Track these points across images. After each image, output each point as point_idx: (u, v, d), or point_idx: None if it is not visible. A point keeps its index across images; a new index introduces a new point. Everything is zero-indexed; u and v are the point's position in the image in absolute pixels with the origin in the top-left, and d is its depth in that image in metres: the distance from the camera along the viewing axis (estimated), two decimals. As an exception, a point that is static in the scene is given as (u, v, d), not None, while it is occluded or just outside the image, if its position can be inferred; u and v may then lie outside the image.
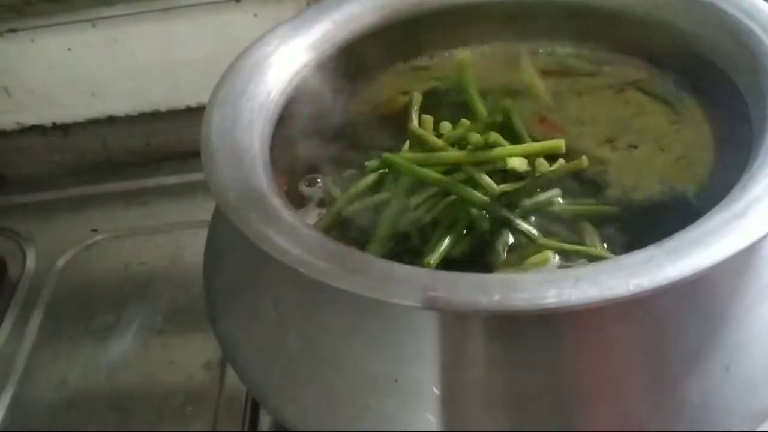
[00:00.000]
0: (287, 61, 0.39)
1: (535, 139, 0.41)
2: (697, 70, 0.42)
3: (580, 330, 0.27)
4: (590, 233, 0.37)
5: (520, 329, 0.27)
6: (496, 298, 0.23)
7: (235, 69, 0.37)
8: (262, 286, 0.33)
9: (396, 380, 0.28)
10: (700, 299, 0.28)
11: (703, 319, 0.28)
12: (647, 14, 0.42)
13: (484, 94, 0.47)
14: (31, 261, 0.59)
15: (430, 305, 0.24)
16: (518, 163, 0.36)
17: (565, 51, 0.49)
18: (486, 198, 0.37)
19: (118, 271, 0.58)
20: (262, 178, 0.32)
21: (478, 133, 0.39)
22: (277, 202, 0.30)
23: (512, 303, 0.23)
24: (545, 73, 0.48)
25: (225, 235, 0.36)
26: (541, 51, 0.50)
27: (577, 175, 0.39)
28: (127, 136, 0.64)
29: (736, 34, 0.36)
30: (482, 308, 0.23)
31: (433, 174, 0.38)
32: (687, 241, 0.25)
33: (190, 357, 0.50)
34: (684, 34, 0.40)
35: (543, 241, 0.36)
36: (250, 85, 0.37)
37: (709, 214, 0.27)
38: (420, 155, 0.38)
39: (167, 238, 0.59)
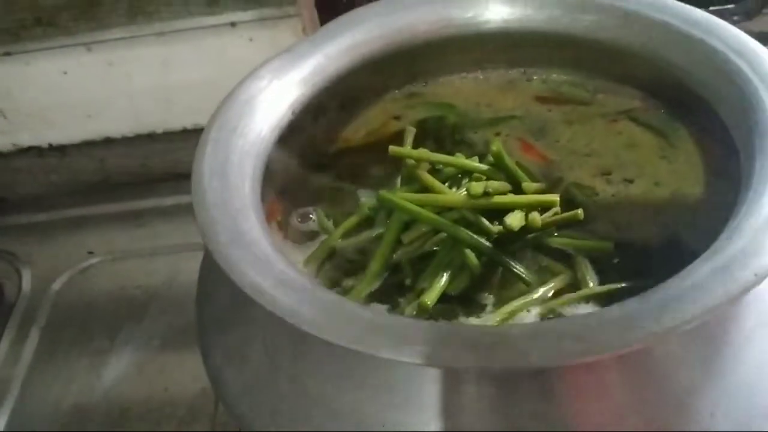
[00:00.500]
0: (279, 96, 0.39)
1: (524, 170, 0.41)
2: (689, 103, 0.42)
3: (567, 381, 0.28)
4: (584, 268, 0.37)
5: (509, 379, 0.27)
6: (482, 353, 0.24)
7: (227, 105, 0.38)
8: (252, 325, 0.33)
9: (383, 425, 0.28)
10: (685, 347, 0.28)
11: (689, 367, 0.28)
12: (640, 47, 0.42)
13: (475, 120, 0.48)
14: (27, 283, 0.59)
15: (415, 360, 0.24)
16: (515, 222, 0.37)
17: (559, 78, 0.49)
18: (483, 242, 0.37)
19: (114, 293, 0.58)
20: (252, 220, 0.32)
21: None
22: (267, 246, 0.30)
23: (496, 361, 0.23)
24: (539, 99, 0.48)
25: (216, 272, 0.36)
26: (535, 78, 0.50)
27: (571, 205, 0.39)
28: (124, 157, 0.64)
29: (725, 71, 0.36)
30: (467, 366, 0.24)
31: (431, 215, 0.38)
32: (671, 296, 0.25)
33: (186, 382, 0.51)
34: (675, 68, 0.41)
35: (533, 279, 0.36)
36: (241, 123, 0.37)
37: (693, 264, 0.27)
38: (416, 196, 0.39)
39: (163, 260, 0.59)
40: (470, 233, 0.37)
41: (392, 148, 0.42)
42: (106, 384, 0.51)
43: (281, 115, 0.39)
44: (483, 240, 0.37)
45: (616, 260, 0.38)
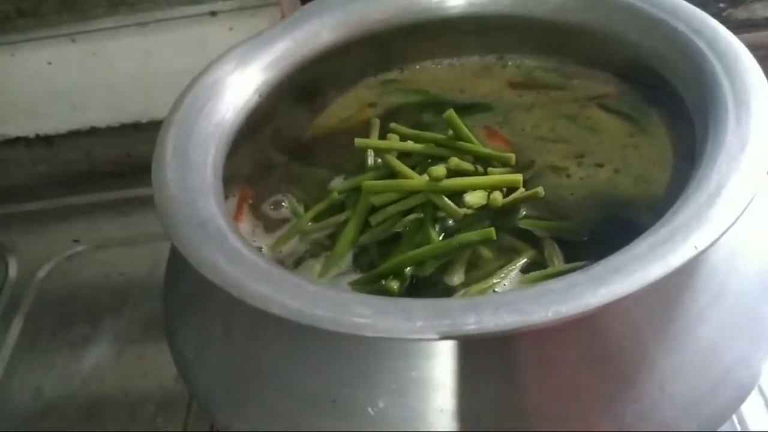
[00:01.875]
0: (246, 79, 0.40)
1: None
2: (658, 86, 0.42)
3: (518, 349, 0.28)
4: (550, 248, 0.38)
5: (462, 350, 0.28)
6: (419, 324, 0.24)
7: (192, 88, 0.38)
8: (212, 306, 0.33)
9: (334, 401, 0.28)
10: (636, 320, 0.28)
11: (639, 339, 0.28)
12: (605, 29, 0.42)
13: (447, 106, 0.48)
14: (12, 271, 0.60)
15: (354, 331, 0.24)
16: (476, 199, 0.37)
17: (533, 63, 0.50)
18: (459, 210, 0.37)
19: (98, 281, 0.59)
20: (210, 200, 0.32)
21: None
22: (222, 224, 0.31)
23: (432, 330, 0.24)
24: (513, 85, 0.49)
25: (179, 258, 0.36)
26: (510, 63, 0.50)
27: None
28: (110, 147, 0.65)
29: (685, 51, 0.36)
30: (404, 337, 0.24)
31: (413, 183, 0.38)
32: (611, 268, 0.25)
33: (163, 368, 0.51)
34: (640, 50, 0.41)
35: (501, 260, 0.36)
36: (207, 105, 0.37)
37: (638, 239, 0.27)
38: (380, 183, 0.39)
39: (146, 249, 0.60)
40: (450, 202, 0.37)
41: (358, 141, 0.42)
42: (85, 370, 0.52)
43: (247, 98, 0.39)
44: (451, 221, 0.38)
45: (584, 239, 0.38)
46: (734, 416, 0.45)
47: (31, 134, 0.65)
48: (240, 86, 0.39)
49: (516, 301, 0.24)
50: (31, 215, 0.64)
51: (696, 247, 0.25)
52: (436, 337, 0.24)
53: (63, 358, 0.53)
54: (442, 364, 0.28)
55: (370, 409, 0.28)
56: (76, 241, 0.61)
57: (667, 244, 0.26)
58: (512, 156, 0.39)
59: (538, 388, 0.28)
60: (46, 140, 0.65)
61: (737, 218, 0.28)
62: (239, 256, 0.29)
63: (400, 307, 0.25)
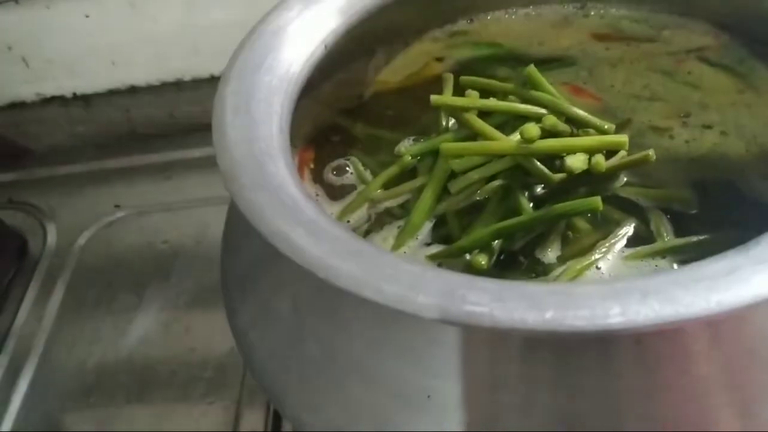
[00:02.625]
0: (310, 28, 0.35)
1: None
2: (766, 36, 0.37)
3: (644, 350, 0.24)
4: (658, 220, 0.33)
5: (573, 347, 0.24)
6: (549, 315, 0.20)
7: (251, 39, 0.34)
8: (279, 280, 0.29)
9: (429, 396, 0.25)
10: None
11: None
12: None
13: (524, 60, 0.43)
14: (51, 238, 0.57)
15: (470, 321, 0.20)
16: (578, 163, 0.33)
17: (619, 13, 0.45)
18: (555, 176, 0.33)
19: (141, 248, 0.55)
20: (280, 163, 0.28)
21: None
22: (296, 191, 0.27)
23: (568, 323, 0.20)
24: (597, 37, 0.44)
25: (241, 221, 0.32)
26: (593, 13, 0.45)
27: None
28: (150, 106, 0.61)
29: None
30: (532, 328, 0.20)
31: (501, 145, 0.34)
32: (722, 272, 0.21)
33: (214, 343, 0.48)
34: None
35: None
36: (269, 57, 0.33)
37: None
38: (463, 145, 0.34)
39: (191, 214, 0.56)
40: (525, 178, 0.33)
41: (434, 98, 0.37)
42: (130, 343, 0.49)
43: (313, 49, 0.35)
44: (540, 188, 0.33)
45: (693, 211, 0.34)
46: None
47: (68, 93, 0.61)
48: (305, 35, 0.35)
49: (666, 288, 0.20)
50: (69, 179, 0.60)
51: None
52: (571, 332, 0.19)
53: (107, 330, 0.50)
54: (554, 359, 0.24)
55: (471, 408, 0.24)
56: (117, 206, 0.58)
57: None
58: (612, 126, 0.34)
59: (667, 389, 0.24)
60: (83, 99, 0.61)
61: None
62: (320, 228, 0.25)
63: (521, 294, 0.21)
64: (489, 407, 0.24)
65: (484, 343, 0.23)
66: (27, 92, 0.61)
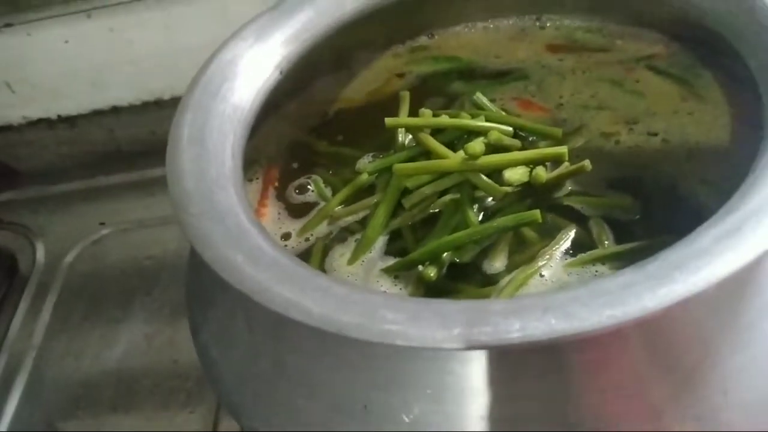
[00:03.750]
0: (264, 56, 0.37)
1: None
2: (714, 46, 0.39)
3: (564, 354, 0.25)
4: (599, 227, 0.35)
5: (503, 355, 0.25)
6: (456, 332, 0.21)
7: (207, 68, 0.36)
8: (235, 301, 0.31)
9: (365, 407, 0.26)
10: (696, 319, 0.26)
11: (699, 341, 0.26)
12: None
13: (481, 73, 0.45)
14: (40, 256, 0.59)
15: (385, 339, 0.22)
16: (517, 176, 0.34)
17: (574, 24, 0.46)
18: (502, 187, 0.35)
19: (126, 264, 0.57)
20: (230, 191, 0.30)
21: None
22: (242, 218, 0.29)
23: (473, 338, 0.21)
24: (551, 48, 0.45)
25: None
26: (549, 25, 0.47)
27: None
28: (133, 125, 0.63)
29: (750, 9, 0.33)
30: (440, 345, 0.21)
31: (448, 163, 0.36)
32: (671, 265, 0.22)
33: (195, 355, 0.50)
34: (698, 8, 0.37)
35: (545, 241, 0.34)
36: (224, 86, 0.35)
37: (701, 228, 0.24)
38: (412, 165, 0.36)
39: (174, 230, 0.58)
40: (490, 181, 0.35)
41: (388, 120, 0.39)
42: (116, 355, 0.51)
43: (267, 76, 0.36)
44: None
45: (636, 217, 0.35)
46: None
47: (53, 115, 0.63)
48: (259, 63, 0.37)
49: (565, 305, 0.22)
50: (56, 198, 0.63)
51: (769, 239, 0.22)
52: (476, 346, 0.21)
53: (94, 344, 0.52)
54: (480, 368, 0.25)
55: (404, 416, 0.26)
56: (102, 223, 0.60)
57: (736, 234, 0.23)
58: (559, 131, 0.36)
59: (585, 395, 0.26)
60: (68, 121, 0.63)
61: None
62: (260, 254, 0.26)
63: (434, 312, 0.22)
64: (422, 417, 0.26)
65: (410, 355, 0.25)
66: (13, 116, 0.63)
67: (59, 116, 0.63)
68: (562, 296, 0.22)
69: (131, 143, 0.64)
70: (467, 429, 0.26)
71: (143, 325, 0.53)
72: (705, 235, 0.23)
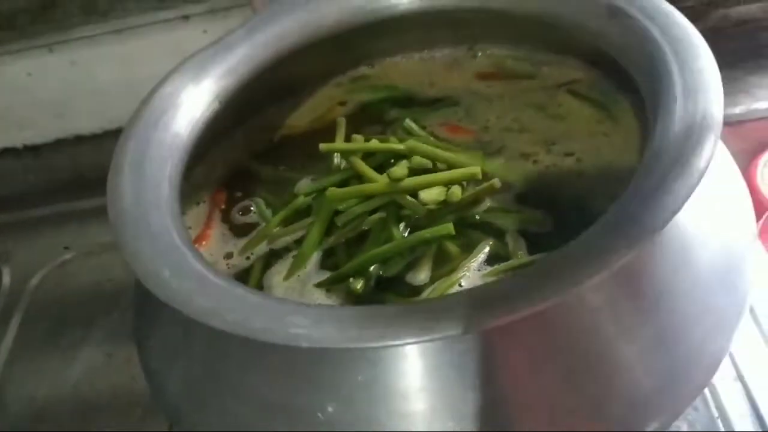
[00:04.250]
0: (204, 88, 0.40)
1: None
2: (622, 73, 0.42)
3: (468, 350, 0.28)
4: (514, 240, 0.38)
5: (405, 355, 0.28)
6: (352, 333, 0.24)
7: (149, 101, 0.38)
8: (171, 316, 0.34)
9: (285, 407, 0.29)
10: (604, 302, 0.29)
11: (609, 320, 0.29)
12: (566, 17, 0.42)
13: (416, 101, 0.48)
14: (6, 279, 0.61)
15: (290, 342, 0.25)
16: (432, 196, 0.37)
17: (503, 53, 0.49)
18: (421, 207, 0.37)
19: (89, 287, 0.60)
20: (165, 214, 0.33)
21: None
22: (174, 238, 0.31)
23: (364, 339, 0.24)
24: (481, 76, 0.48)
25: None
26: (480, 54, 0.50)
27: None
28: (96, 154, 0.66)
29: (640, 38, 0.36)
30: (336, 345, 0.24)
31: (373, 187, 0.39)
32: (563, 260, 0.25)
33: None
34: (599, 38, 0.40)
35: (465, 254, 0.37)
36: (164, 117, 0.38)
37: (589, 229, 0.27)
38: (343, 191, 0.39)
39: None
40: (413, 200, 0.38)
41: (323, 145, 0.42)
42: (76, 374, 0.53)
43: (205, 107, 0.39)
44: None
45: (547, 230, 0.38)
46: (719, 417, 0.45)
47: (19, 145, 0.66)
48: (198, 95, 0.39)
49: (452, 308, 0.24)
50: (22, 224, 0.65)
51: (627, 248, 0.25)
52: (370, 345, 0.24)
53: (54, 365, 0.54)
54: (387, 368, 0.28)
55: (319, 414, 0.28)
56: (66, 248, 0.62)
57: (600, 243, 0.26)
58: (478, 171, 0.39)
59: (490, 389, 0.28)
60: (33, 150, 0.66)
61: (680, 208, 0.28)
62: (187, 269, 0.29)
63: (335, 316, 0.25)
64: (336, 415, 0.29)
65: (322, 358, 0.28)
66: (-20, 146, 0.66)
67: (25, 145, 0.66)
68: (451, 300, 0.25)
69: (93, 171, 0.66)
70: (380, 423, 0.28)
71: (103, 345, 0.55)
72: (591, 234, 0.26)
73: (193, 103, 0.39)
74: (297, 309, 0.26)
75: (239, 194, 0.45)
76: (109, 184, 0.34)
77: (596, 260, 0.27)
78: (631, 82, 0.43)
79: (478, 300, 0.25)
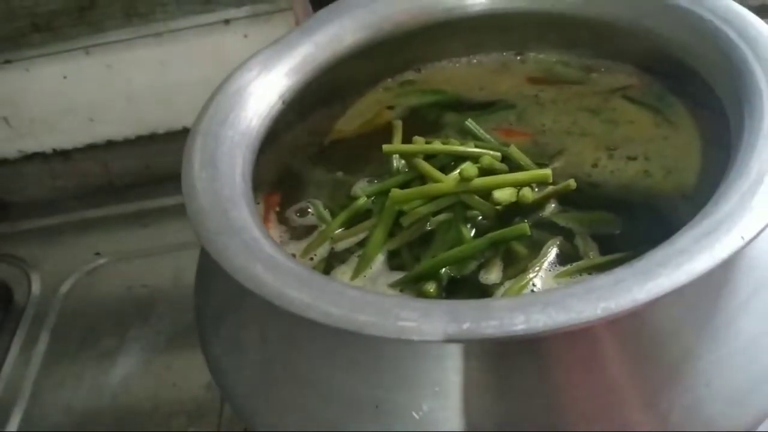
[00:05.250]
0: (269, 86, 0.39)
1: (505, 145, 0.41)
2: (682, 76, 0.42)
3: (559, 352, 0.27)
4: (584, 241, 0.37)
5: (503, 353, 0.27)
6: (465, 326, 0.24)
7: (215, 98, 0.38)
8: (247, 314, 0.33)
9: (377, 406, 0.28)
10: (678, 315, 0.28)
11: (683, 335, 0.28)
12: (628, 21, 0.42)
13: (466, 105, 0.48)
14: (36, 287, 0.60)
15: (401, 336, 0.24)
16: (505, 196, 0.37)
17: (552, 58, 0.49)
18: (493, 206, 0.37)
19: (121, 293, 0.59)
20: (242, 208, 0.32)
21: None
22: (256, 232, 0.31)
23: (481, 331, 0.23)
24: (532, 80, 0.48)
25: (211, 263, 0.36)
26: (529, 59, 0.50)
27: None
28: (127, 159, 0.65)
29: (712, 39, 0.36)
30: (451, 338, 0.24)
31: (442, 187, 0.38)
32: (655, 262, 0.25)
33: (192, 377, 0.51)
34: (664, 41, 0.40)
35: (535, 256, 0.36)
36: (231, 114, 0.37)
37: (681, 231, 0.27)
38: (409, 192, 0.39)
39: (168, 259, 0.60)
40: (467, 212, 0.37)
41: (386, 147, 0.42)
42: (114, 383, 0.52)
43: (271, 105, 0.39)
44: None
45: (617, 232, 0.38)
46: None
47: (48, 149, 0.65)
48: (264, 93, 0.39)
49: (563, 300, 0.24)
50: (51, 230, 0.64)
51: (743, 238, 0.25)
52: (485, 338, 0.23)
53: (91, 372, 0.53)
54: (485, 366, 0.27)
55: (414, 413, 0.28)
56: (97, 254, 0.61)
57: (712, 235, 0.26)
58: (548, 173, 0.38)
59: (580, 387, 0.28)
60: (63, 155, 0.65)
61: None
62: (276, 263, 0.28)
63: (445, 309, 0.24)
64: (431, 413, 0.28)
65: (422, 354, 0.27)
66: (9, 150, 0.65)
67: (54, 150, 0.65)
68: (559, 293, 0.24)
69: (125, 176, 0.66)
70: (473, 423, 0.28)
71: (140, 352, 0.54)
72: (684, 237, 0.26)
73: (258, 101, 0.38)
74: (404, 303, 0.25)
75: (292, 197, 0.44)
76: (184, 180, 0.33)
77: (689, 263, 0.26)
78: (687, 85, 0.43)
79: (588, 293, 0.24)
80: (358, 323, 0.25)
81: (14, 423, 0.51)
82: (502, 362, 0.27)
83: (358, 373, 0.29)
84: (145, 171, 0.65)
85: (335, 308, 0.25)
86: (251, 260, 0.28)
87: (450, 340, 0.23)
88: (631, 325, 0.27)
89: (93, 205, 0.65)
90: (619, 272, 0.25)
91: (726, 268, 0.29)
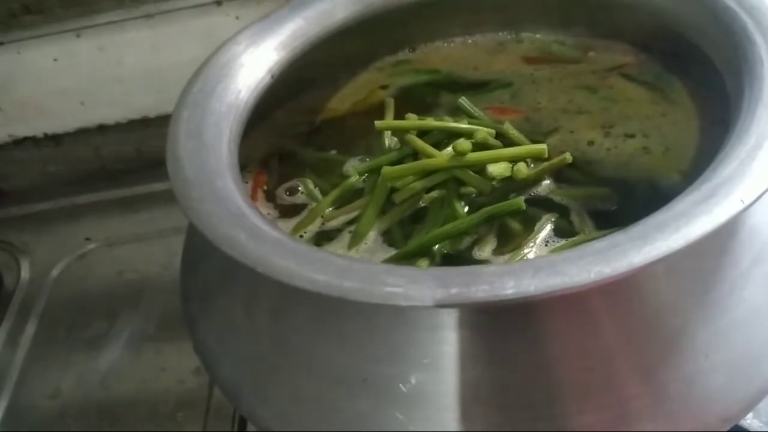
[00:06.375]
0: (257, 60, 0.38)
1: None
2: (681, 51, 0.41)
3: (552, 318, 0.27)
4: (580, 216, 0.36)
5: (495, 322, 0.26)
6: (454, 291, 0.23)
7: (203, 69, 0.37)
8: (233, 290, 0.32)
9: (365, 379, 0.27)
10: (677, 284, 0.27)
11: (681, 305, 0.27)
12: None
13: (460, 84, 0.47)
14: (25, 272, 0.59)
15: (387, 301, 0.23)
16: (500, 170, 0.36)
17: (549, 38, 0.48)
18: (488, 181, 0.36)
19: (111, 279, 0.58)
20: (227, 179, 0.31)
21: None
22: (240, 201, 0.30)
23: (470, 296, 0.23)
24: (527, 60, 0.47)
25: (197, 242, 0.35)
26: (525, 39, 0.49)
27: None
28: (119, 143, 0.64)
29: (711, 8, 0.35)
30: (439, 302, 0.23)
31: (436, 162, 0.37)
32: (653, 226, 0.24)
33: (181, 362, 0.50)
34: (664, 13, 0.39)
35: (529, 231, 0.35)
36: (219, 86, 0.36)
37: (679, 196, 0.26)
38: (401, 168, 0.38)
39: (159, 244, 0.59)
40: (460, 188, 0.36)
41: (378, 123, 0.41)
42: (103, 368, 0.51)
43: (259, 79, 0.38)
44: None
45: (614, 207, 0.37)
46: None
47: (39, 133, 0.64)
48: (252, 66, 0.38)
49: (555, 264, 0.23)
50: (41, 215, 0.63)
51: (742, 201, 0.24)
52: (474, 302, 0.22)
53: (80, 357, 0.52)
54: (476, 336, 0.26)
55: (402, 386, 0.27)
56: (87, 239, 0.60)
57: (711, 199, 0.25)
58: (544, 148, 0.37)
59: (575, 358, 0.27)
60: (54, 139, 0.64)
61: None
62: (261, 232, 0.28)
63: (433, 276, 0.24)
64: (419, 385, 0.27)
65: (405, 324, 0.26)
66: (0, 134, 0.64)
67: (45, 134, 0.64)
68: (551, 258, 0.24)
69: (116, 161, 0.65)
70: (463, 395, 0.27)
71: (129, 339, 0.53)
72: (683, 202, 0.25)
73: (247, 74, 0.38)
74: (392, 269, 0.24)
75: (281, 175, 0.43)
76: (169, 151, 0.33)
77: (687, 227, 0.25)
78: (684, 62, 0.43)
79: (582, 257, 0.24)
80: (344, 289, 0.24)
81: (1, 407, 0.50)
82: (493, 332, 0.26)
83: (346, 345, 0.28)
84: (137, 156, 0.65)
85: (321, 275, 0.25)
86: (235, 228, 0.28)
87: (438, 305, 0.22)
88: (628, 294, 0.26)
89: (84, 190, 0.64)
90: (615, 237, 0.24)
91: (726, 237, 0.28)
